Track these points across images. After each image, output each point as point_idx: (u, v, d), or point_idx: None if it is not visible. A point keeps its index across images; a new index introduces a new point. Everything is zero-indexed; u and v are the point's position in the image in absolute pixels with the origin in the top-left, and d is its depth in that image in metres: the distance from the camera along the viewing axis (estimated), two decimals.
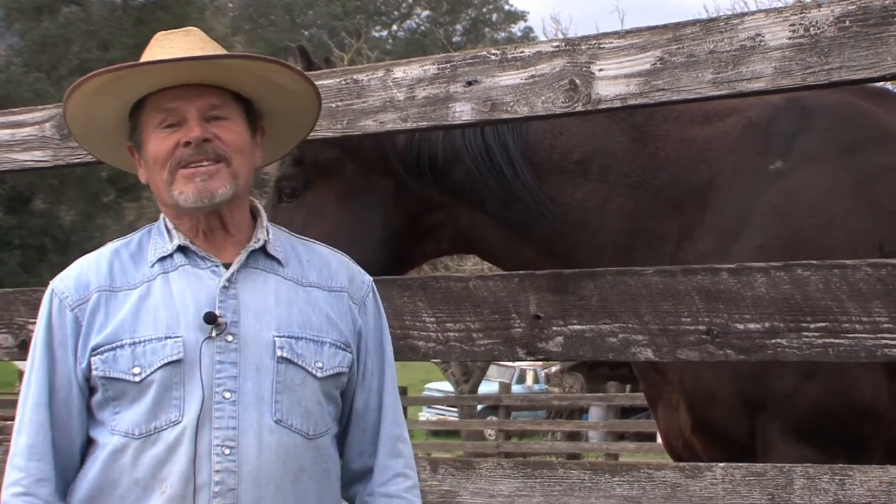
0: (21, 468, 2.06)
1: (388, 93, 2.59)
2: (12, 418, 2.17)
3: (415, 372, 29.95)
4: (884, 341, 2.22)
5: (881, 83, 3.09)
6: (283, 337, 2.09)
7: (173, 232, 2.15)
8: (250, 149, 2.16)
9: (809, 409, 2.80)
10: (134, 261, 2.15)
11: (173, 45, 2.13)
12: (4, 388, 26.10)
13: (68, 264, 2.21)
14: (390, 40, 57.79)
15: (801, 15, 2.22)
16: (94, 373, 2.06)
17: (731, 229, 2.90)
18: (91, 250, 2.24)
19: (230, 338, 2.06)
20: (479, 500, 2.51)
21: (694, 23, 2.34)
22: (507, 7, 61.03)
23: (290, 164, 3.21)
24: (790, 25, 2.23)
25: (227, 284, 2.09)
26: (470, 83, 2.51)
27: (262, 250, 2.16)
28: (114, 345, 2.06)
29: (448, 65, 2.54)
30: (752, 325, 2.31)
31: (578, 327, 2.45)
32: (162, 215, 2.20)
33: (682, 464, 2.48)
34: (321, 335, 2.13)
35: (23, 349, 2.84)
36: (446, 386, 24.97)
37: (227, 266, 2.12)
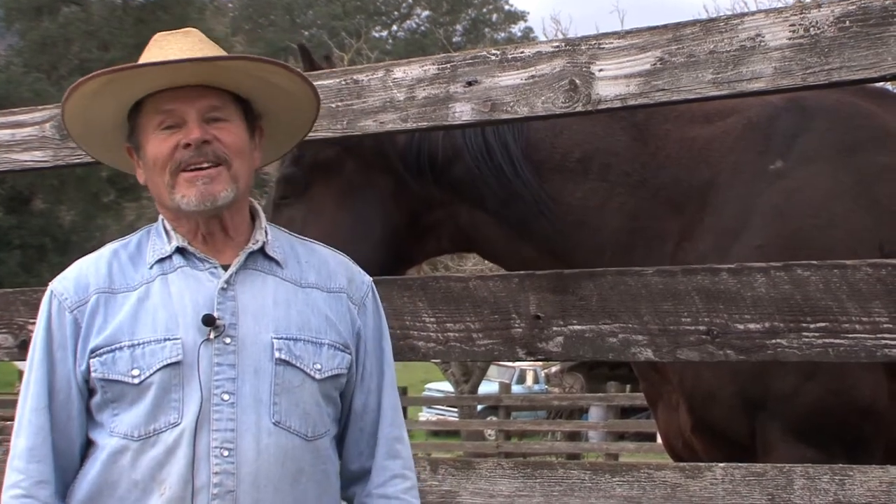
0: (21, 470, 2.06)
1: (388, 93, 2.59)
2: (12, 418, 2.17)
3: (415, 372, 29.95)
4: (884, 341, 2.22)
5: (881, 83, 3.09)
6: (282, 339, 2.09)
7: (172, 233, 2.15)
8: (249, 150, 2.16)
9: (809, 409, 2.80)
10: (133, 262, 2.15)
11: (172, 46, 2.13)
12: (4, 388, 26.11)
13: (68, 264, 2.21)
14: (390, 40, 57.78)
15: (801, 15, 2.22)
16: (93, 375, 2.06)
17: (732, 229, 2.90)
18: (91, 250, 2.23)
19: (228, 340, 2.06)
20: (479, 501, 2.51)
21: (694, 23, 2.34)
22: (507, 7, 61.04)
23: (291, 163, 3.21)
24: (790, 26, 2.23)
25: (225, 286, 2.09)
26: (470, 83, 2.51)
27: (261, 251, 2.16)
28: (113, 347, 2.06)
29: (448, 65, 2.54)
30: (752, 326, 2.31)
31: (578, 327, 2.45)
32: (160, 216, 2.20)
33: (682, 464, 2.48)
34: (320, 337, 2.13)
35: (23, 349, 2.84)
36: (446, 386, 24.97)
37: (225, 268, 2.12)
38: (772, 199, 2.90)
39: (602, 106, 2.39)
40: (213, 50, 2.16)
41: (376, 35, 55.43)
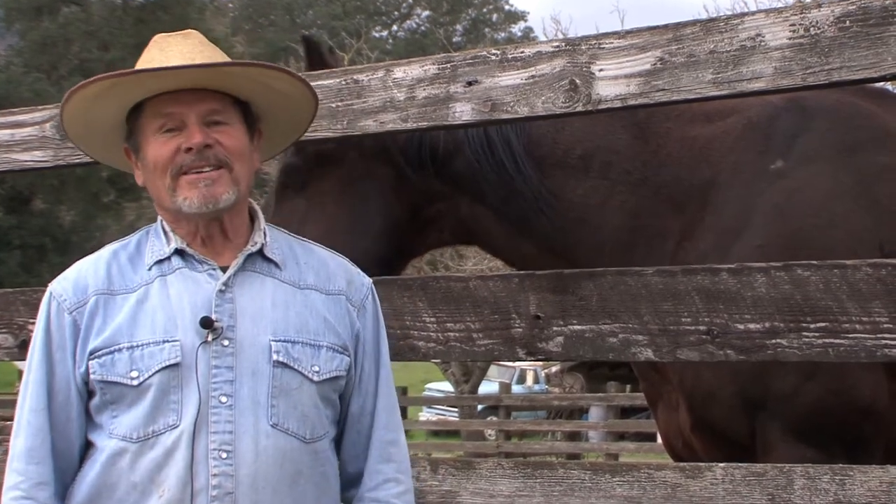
0: (20, 472, 2.06)
1: (388, 93, 2.59)
2: (12, 418, 2.17)
3: (415, 372, 29.95)
4: (884, 341, 2.22)
5: (881, 83, 3.09)
6: (280, 341, 2.09)
7: (171, 234, 2.15)
8: (249, 152, 2.16)
9: (809, 409, 2.79)
10: (132, 263, 2.15)
11: (173, 48, 2.13)
12: (4, 388, 26.10)
13: (68, 264, 2.21)
14: (390, 40, 57.80)
15: (802, 15, 2.22)
16: (92, 376, 2.06)
17: (732, 229, 2.90)
18: (91, 250, 2.23)
19: (226, 342, 2.06)
20: (479, 501, 2.51)
21: (694, 23, 2.34)
22: (507, 7, 61.06)
23: (293, 153, 3.20)
24: (790, 25, 2.22)
25: (223, 288, 2.09)
26: (470, 83, 2.50)
27: (260, 253, 2.16)
28: (112, 349, 2.06)
29: (448, 65, 2.54)
30: (752, 326, 2.31)
31: (578, 327, 2.45)
32: (159, 217, 2.20)
33: (682, 464, 2.48)
34: (318, 339, 2.12)
35: (23, 349, 2.84)
36: (446, 386, 24.97)
37: (224, 269, 2.12)
38: (772, 199, 2.90)
39: (602, 106, 2.38)
40: (213, 53, 2.15)
41: (376, 35, 55.45)
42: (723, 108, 3.05)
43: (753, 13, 2.31)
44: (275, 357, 2.07)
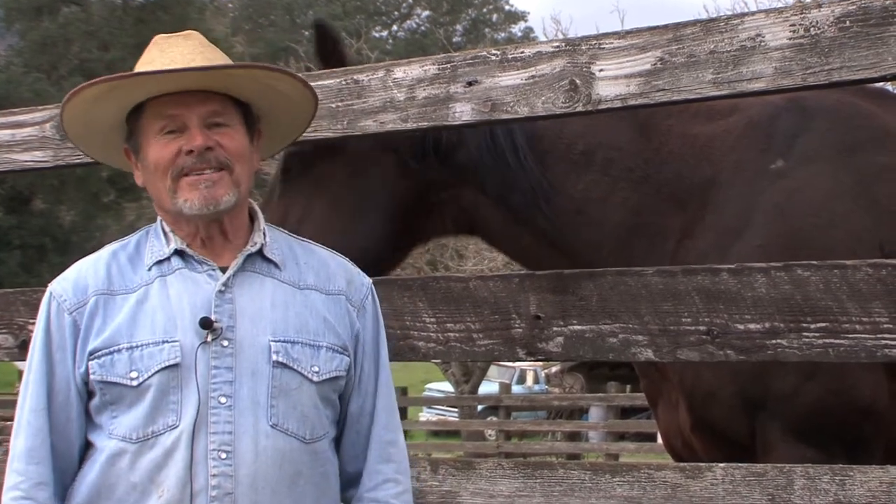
0: (20, 472, 2.06)
1: (388, 93, 2.59)
2: (12, 419, 2.17)
3: (415, 372, 29.95)
4: (884, 342, 2.22)
5: (881, 83, 3.09)
6: (279, 341, 2.09)
7: (170, 235, 2.15)
8: (250, 154, 2.16)
9: (809, 409, 2.79)
10: (132, 264, 2.15)
11: (174, 49, 2.12)
12: (4, 388, 26.11)
13: (68, 264, 2.21)
14: (390, 40, 57.77)
15: (802, 15, 2.22)
16: (91, 377, 2.06)
17: (733, 228, 2.90)
18: (91, 250, 2.23)
19: (226, 343, 2.06)
20: (479, 501, 2.51)
21: (694, 23, 2.34)
22: (507, 7, 61.04)
23: (295, 143, 3.19)
24: (790, 26, 2.22)
25: (223, 289, 2.09)
26: (470, 83, 2.50)
27: (259, 254, 2.15)
28: (111, 349, 2.06)
29: (448, 65, 2.54)
30: (752, 326, 2.31)
31: (578, 328, 2.45)
32: (159, 218, 2.19)
33: (682, 464, 2.48)
34: (318, 339, 2.12)
35: (23, 349, 2.84)
36: (446, 386, 24.96)
37: (224, 270, 2.12)
38: (773, 199, 2.90)
39: (602, 106, 2.38)
40: (214, 54, 2.15)
41: (376, 35, 55.43)
42: (724, 107, 3.05)
43: (753, 13, 2.31)
44: (274, 357, 2.07)
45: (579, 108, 2.40)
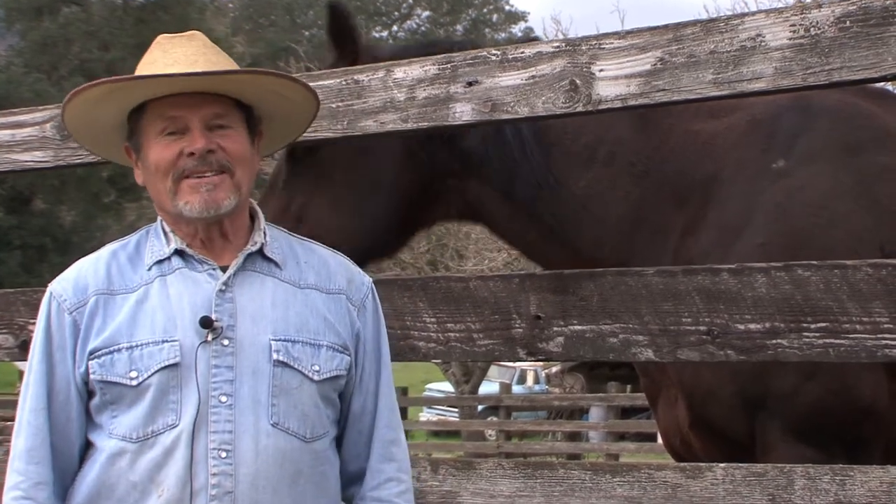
0: (20, 472, 2.06)
1: (388, 93, 2.59)
2: (12, 419, 2.17)
3: (415, 372, 29.95)
4: (884, 342, 2.22)
5: (882, 83, 3.09)
6: (280, 340, 2.08)
7: (170, 235, 2.15)
8: (251, 156, 2.16)
9: (809, 409, 2.80)
10: (132, 263, 2.15)
11: (177, 51, 2.12)
12: (5, 388, 26.12)
13: (69, 265, 2.21)
14: (391, 41, 57.75)
15: (802, 15, 2.22)
16: (91, 377, 2.06)
17: (734, 226, 2.91)
18: (91, 251, 2.23)
19: (226, 342, 2.06)
20: (479, 501, 2.51)
21: (694, 23, 2.34)
22: (507, 7, 61.02)
23: None
24: (791, 26, 2.22)
25: (223, 288, 2.09)
26: (470, 83, 2.50)
27: (260, 253, 2.15)
28: (111, 349, 2.06)
29: (448, 65, 2.54)
30: (752, 326, 2.31)
31: (579, 328, 2.45)
32: (159, 218, 2.19)
33: (682, 464, 2.48)
34: (318, 338, 2.12)
35: (23, 350, 2.84)
36: (447, 386, 24.96)
37: (224, 269, 2.12)
38: (774, 198, 2.90)
39: (602, 106, 2.38)
40: (216, 55, 2.15)
41: (376, 35, 55.40)
42: (727, 105, 3.06)
43: (754, 13, 2.31)
44: (275, 356, 2.07)
45: (579, 109, 2.40)
